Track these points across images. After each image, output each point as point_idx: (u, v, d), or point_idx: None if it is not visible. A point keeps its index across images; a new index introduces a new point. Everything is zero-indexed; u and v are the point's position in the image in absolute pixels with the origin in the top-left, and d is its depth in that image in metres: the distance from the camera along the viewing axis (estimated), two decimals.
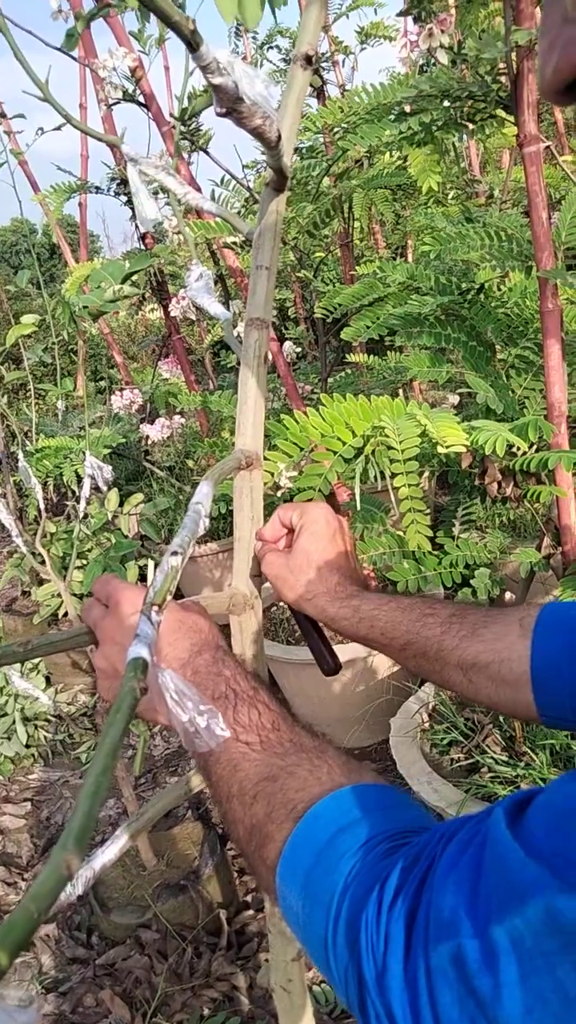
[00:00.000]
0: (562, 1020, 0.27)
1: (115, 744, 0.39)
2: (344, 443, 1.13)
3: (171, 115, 1.89)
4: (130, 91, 1.80)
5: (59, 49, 1.75)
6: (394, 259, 2.99)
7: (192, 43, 0.59)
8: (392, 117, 1.36)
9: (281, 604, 2.34)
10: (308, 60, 0.79)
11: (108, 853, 0.72)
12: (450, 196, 2.75)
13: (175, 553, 0.55)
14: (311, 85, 2.22)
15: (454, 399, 3.24)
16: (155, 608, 0.49)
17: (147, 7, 0.57)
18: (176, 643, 0.57)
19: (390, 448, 1.01)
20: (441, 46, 1.19)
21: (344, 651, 1.97)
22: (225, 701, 0.52)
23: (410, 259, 2.87)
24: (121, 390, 2.97)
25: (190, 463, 3.03)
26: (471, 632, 0.61)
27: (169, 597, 0.52)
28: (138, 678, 0.43)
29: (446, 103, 1.27)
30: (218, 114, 0.64)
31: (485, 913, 0.30)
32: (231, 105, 0.62)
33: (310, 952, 0.40)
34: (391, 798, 0.43)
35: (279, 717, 0.51)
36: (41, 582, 2.76)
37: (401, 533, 1.35)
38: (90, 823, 0.35)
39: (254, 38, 3.29)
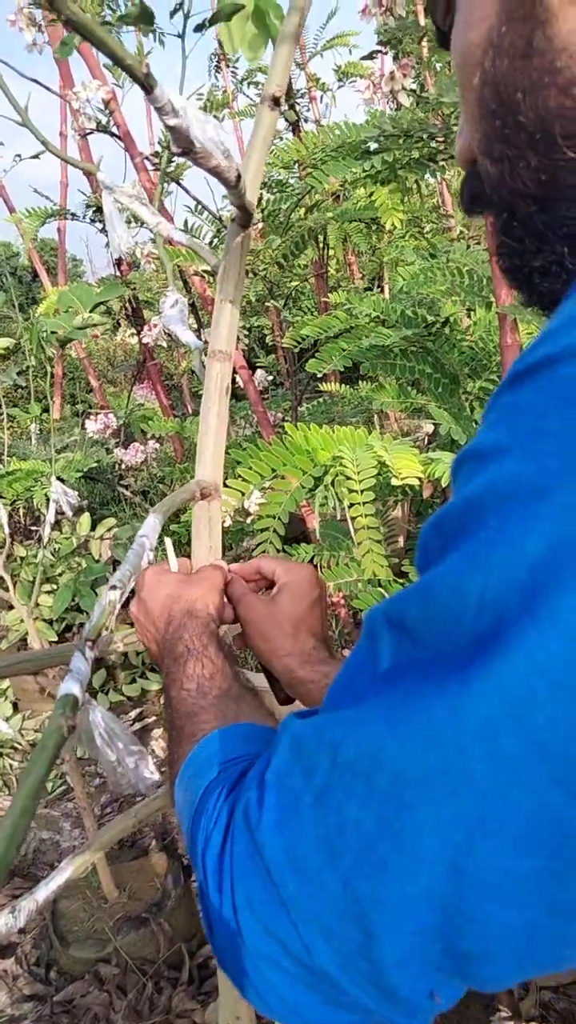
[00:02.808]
0: (299, 821, 0.33)
1: (36, 785, 0.39)
2: (305, 472, 1.14)
3: (150, 161, 1.92)
4: (104, 122, 1.83)
5: (34, 80, 1.77)
6: (369, 289, 3.04)
7: (146, 86, 0.60)
8: (357, 155, 1.40)
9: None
10: (276, 101, 0.81)
11: (53, 884, 0.72)
12: (426, 230, 2.81)
13: (114, 587, 0.55)
14: (287, 120, 2.27)
15: (428, 427, 3.28)
16: (89, 644, 0.49)
17: (100, 51, 0.59)
18: (161, 617, 0.65)
19: (348, 478, 1.02)
20: (404, 88, 1.23)
21: None
22: (180, 659, 0.59)
23: (386, 290, 2.92)
24: (96, 414, 2.98)
25: (164, 488, 3.03)
26: None
27: (105, 632, 0.52)
28: (66, 715, 0.43)
29: (409, 142, 1.31)
30: (175, 153, 0.66)
31: (265, 769, 0.37)
32: (187, 146, 0.63)
33: (186, 848, 0.47)
34: (270, 735, 0.50)
35: (218, 670, 0.58)
36: (10, 607, 2.73)
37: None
38: (5, 868, 0.34)
39: (233, 74, 3.36)
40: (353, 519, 1.04)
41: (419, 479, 1.01)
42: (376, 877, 0.30)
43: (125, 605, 0.61)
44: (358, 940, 0.31)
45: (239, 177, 0.63)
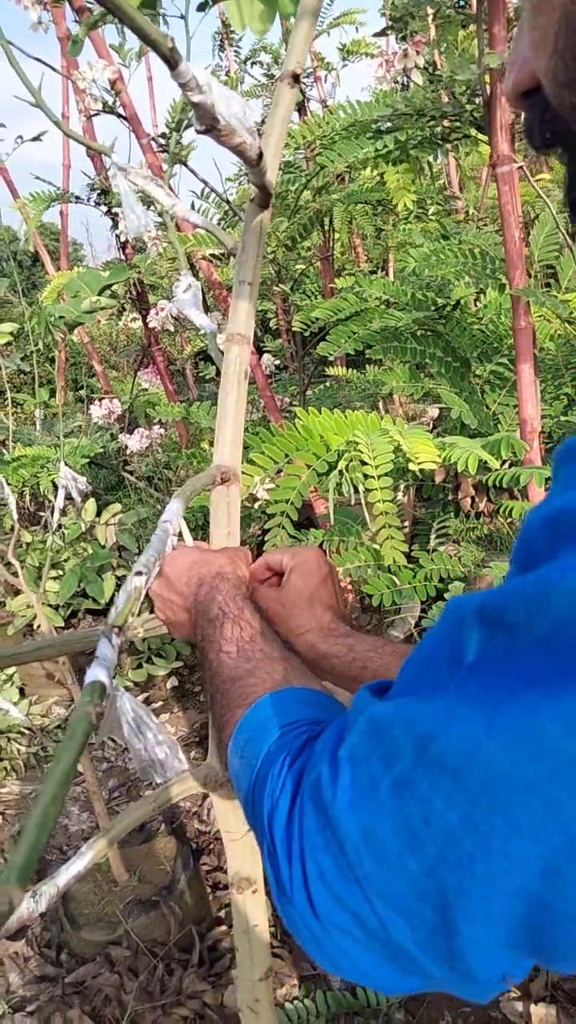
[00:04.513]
0: (376, 805, 0.33)
1: (67, 772, 0.38)
2: (318, 457, 1.13)
3: (157, 140, 1.90)
4: (110, 103, 1.80)
5: (39, 60, 1.75)
6: (374, 273, 3.01)
7: (171, 61, 0.59)
8: (369, 135, 1.38)
9: None
10: (295, 78, 0.79)
11: (73, 868, 0.71)
12: (431, 211, 2.78)
13: (139, 573, 0.55)
14: None
15: (434, 412, 3.26)
16: (115, 630, 0.48)
17: (127, 26, 0.58)
18: (189, 582, 0.65)
19: (364, 463, 1.02)
20: (416, 67, 1.21)
21: None
22: (216, 621, 0.60)
23: (391, 273, 2.90)
24: (100, 400, 2.96)
25: (169, 473, 3.02)
26: None
27: (131, 619, 0.51)
28: (94, 702, 0.43)
29: (421, 122, 1.29)
30: (198, 131, 0.64)
31: (338, 745, 0.38)
32: (211, 123, 0.62)
33: (244, 810, 0.47)
34: (325, 699, 0.51)
35: (257, 632, 0.59)
36: (17, 592, 2.73)
37: (377, 547, 1.36)
38: (35, 855, 0.34)
39: (237, 53, 3.32)
40: (371, 504, 1.04)
41: (435, 463, 1.00)
42: (461, 870, 0.30)
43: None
44: (437, 923, 0.32)
45: (260, 155, 0.62)
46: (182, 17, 1.30)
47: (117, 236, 2.29)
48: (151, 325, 2.19)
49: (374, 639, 0.69)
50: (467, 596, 0.34)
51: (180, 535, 0.72)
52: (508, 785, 0.29)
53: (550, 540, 0.31)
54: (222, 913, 1.75)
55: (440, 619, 0.36)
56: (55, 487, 2.55)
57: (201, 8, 1.42)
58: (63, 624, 2.71)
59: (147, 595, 0.66)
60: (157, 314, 2.10)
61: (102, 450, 2.86)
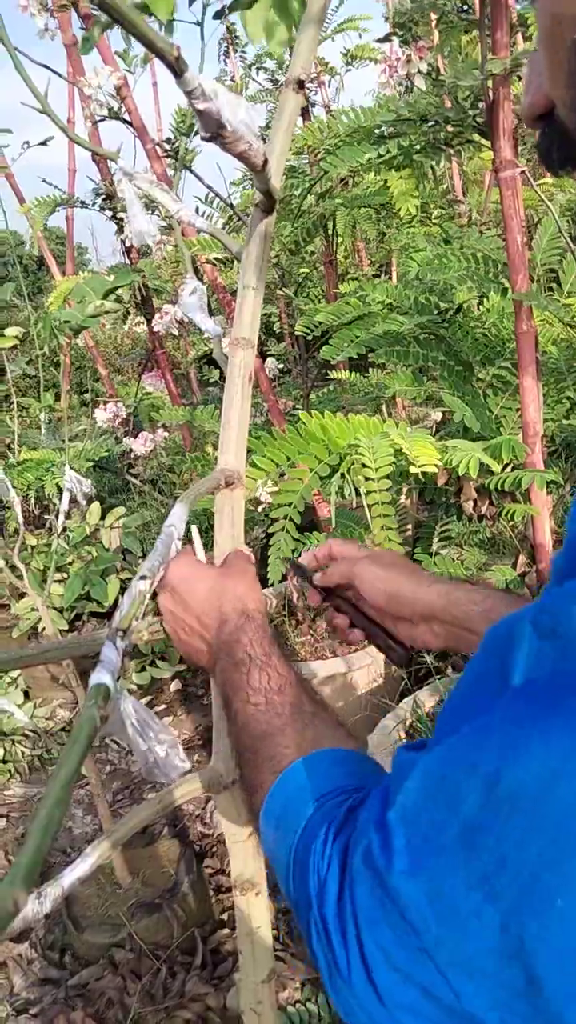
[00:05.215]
0: (441, 861, 0.31)
1: (71, 775, 0.38)
2: (320, 460, 1.14)
3: (162, 146, 1.91)
4: (115, 109, 1.82)
5: (45, 66, 1.76)
6: (377, 276, 3.02)
7: (177, 70, 0.59)
8: (372, 140, 1.38)
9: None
10: (300, 84, 0.80)
11: (78, 871, 0.72)
12: (434, 215, 2.78)
13: (144, 577, 0.55)
14: None
15: (437, 415, 3.26)
16: (120, 633, 0.49)
17: (132, 34, 0.58)
18: (210, 615, 0.62)
19: (364, 466, 1.02)
20: (419, 72, 1.21)
21: (324, 667, 1.96)
22: (241, 665, 0.57)
23: (394, 277, 2.90)
24: (105, 403, 2.97)
25: (173, 477, 3.03)
26: None
27: (135, 622, 0.52)
28: (99, 706, 0.43)
29: (424, 127, 1.30)
30: (203, 139, 0.65)
31: (385, 810, 0.36)
32: (216, 130, 0.63)
33: (280, 884, 0.45)
34: (361, 759, 0.49)
35: (286, 681, 0.55)
36: (21, 595, 2.74)
37: (377, 548, 1.36)
38: (40, 858, 0.34)
39: (242, 59, 3.34)
40: (370, 507, 1.04)
41: (436, 467, 1.01)
42: (542, 915, 0.28)
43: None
44: (519, 981, 0.29)
45: (266, 161, 0.63)
46: (198, 23, 1.30)
47: (122, 240, 2.31)
48: (155, 329, 2.20)
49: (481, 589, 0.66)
50: (506, 620, 0.33)
51: (191, 541, 0.72)
52: None
53: None
54: (225, 916, 1.76)
55: (479, 652, 0.34)
56: (60, 490, 2.56)
57: (217, 16, 1.43)
58: (67, 627, 2.71)
59: (152, 599, 0.66)
60: (162, 318, 2.11)
61: (107, 453, 2.87)
